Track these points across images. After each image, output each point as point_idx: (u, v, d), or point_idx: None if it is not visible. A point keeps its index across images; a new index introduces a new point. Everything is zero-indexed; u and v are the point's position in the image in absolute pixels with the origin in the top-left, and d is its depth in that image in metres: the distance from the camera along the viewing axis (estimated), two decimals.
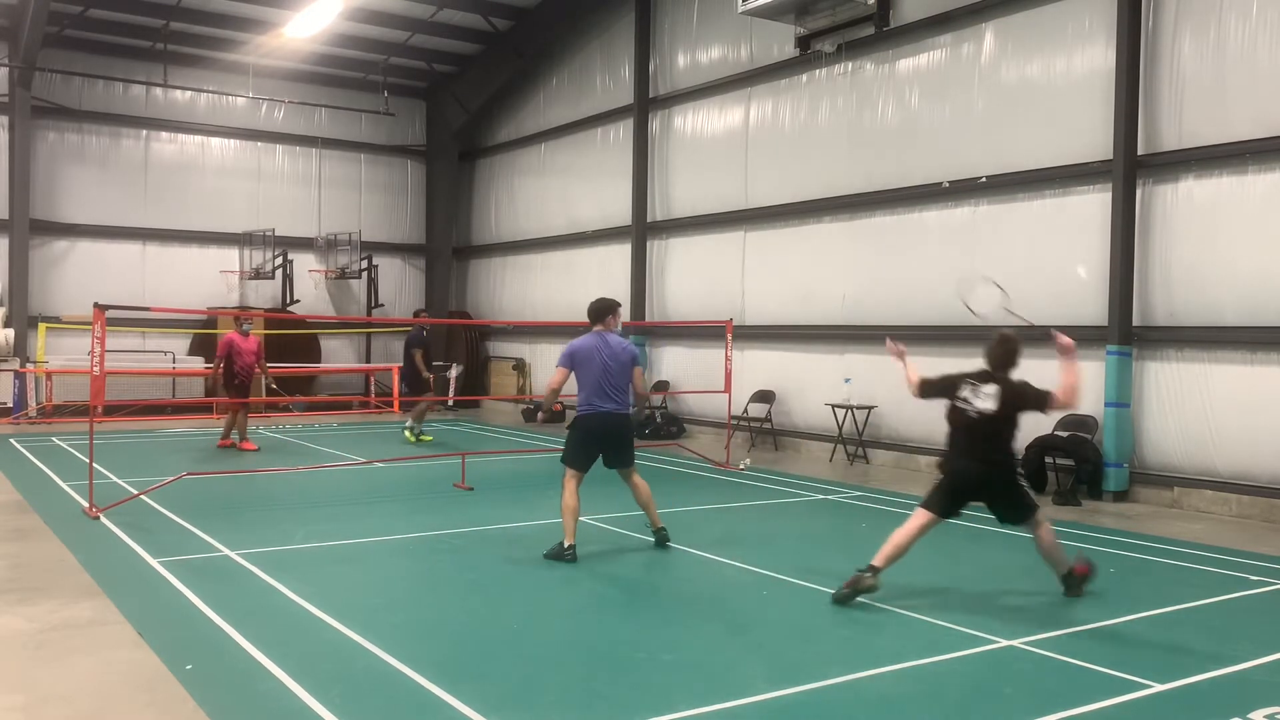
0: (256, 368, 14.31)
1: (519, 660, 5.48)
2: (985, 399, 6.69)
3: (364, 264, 22.99)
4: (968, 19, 13.10)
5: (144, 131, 21.24)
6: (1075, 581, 6.91)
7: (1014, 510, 6.79)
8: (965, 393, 6.78)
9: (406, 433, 15.66)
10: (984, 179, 12.85)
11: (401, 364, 16.13)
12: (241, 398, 14.11)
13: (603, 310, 8.14)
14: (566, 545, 7.74)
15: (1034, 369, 12.13)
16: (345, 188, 23.64)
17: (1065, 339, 6.69)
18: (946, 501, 6.73)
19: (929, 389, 7.08)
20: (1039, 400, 6.64)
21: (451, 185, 24.20)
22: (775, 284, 15.98)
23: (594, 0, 19.55)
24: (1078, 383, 6.66)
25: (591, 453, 7.96)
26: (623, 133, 19.15)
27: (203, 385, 20.65)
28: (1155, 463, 11.24)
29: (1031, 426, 11.89)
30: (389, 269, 23.93)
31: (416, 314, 16.15)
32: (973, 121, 13.06)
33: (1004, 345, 6.83)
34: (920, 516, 6.67)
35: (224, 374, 14.07)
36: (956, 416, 6.79)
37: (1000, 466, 6.73)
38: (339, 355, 23.45)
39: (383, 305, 23.45)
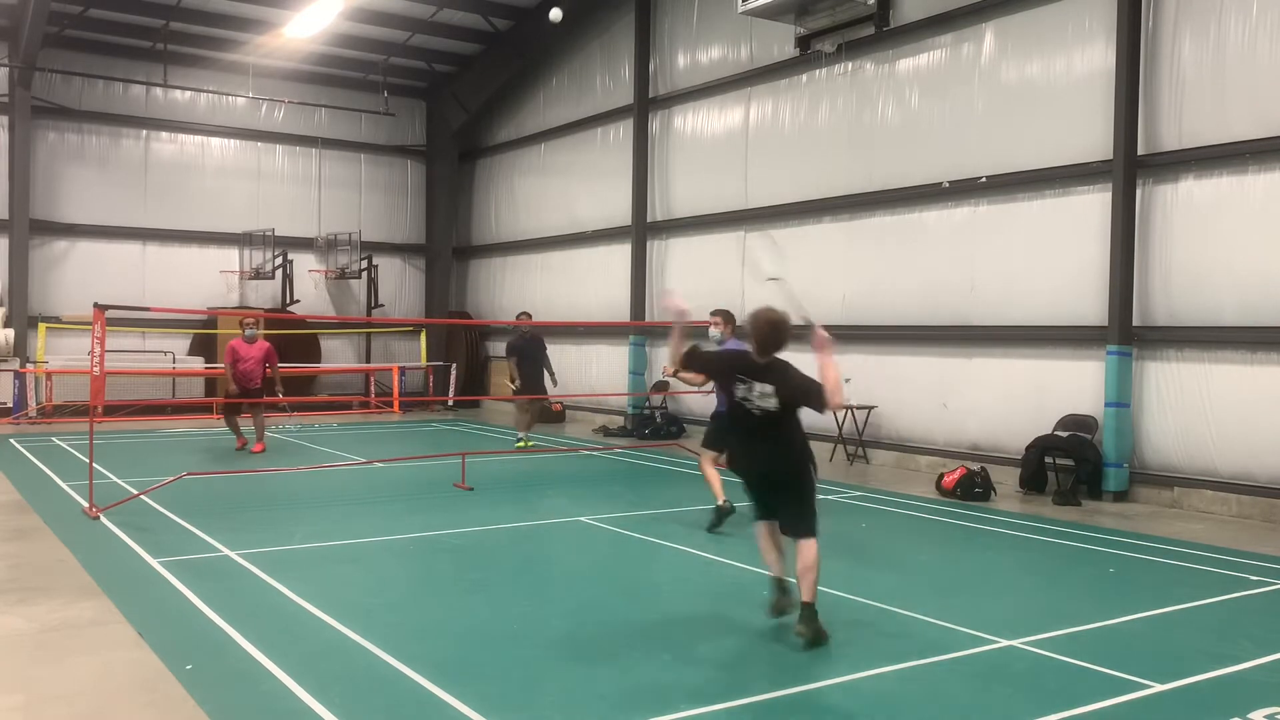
0: (259, 378, 13.66)
1: (519, 660, 5.48)
2: (765, 399, 5.93)
3: (364, 264, 22.99)
4: (968, 19, 13.10)
5: (144, 131, 21.23)
6: (807, 615, 5.74)
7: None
8: (741, 390, 6.01)
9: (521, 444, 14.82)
10: (984, 179, 12.84)
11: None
12: (235, 401, 13.71)
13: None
14: (721, 502, 8.74)
15: (1030, 368, 12.22)
16: (345, 188, 23.64)
17: (822, 333, 5.99)
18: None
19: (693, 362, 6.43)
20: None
21: (451, 185, 24.20)
22: (775, 284, 15.93)
23: (594, 0, 19.55)
24: (838, 379, 5.86)
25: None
26: (623, 133, 19.14)
27: (203, 385, 20.67)
28: (1155, 463, 11.23)
29: (1031, 426, 11.93)
30: (389, 269, 23.93)
31: (519, 317, 15.02)
32: (973, 121, 13.06)
33: (775, 328, 6.08)
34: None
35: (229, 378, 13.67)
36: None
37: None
38: (339, 355, 23.46)
39: (383, 305, 23.45)
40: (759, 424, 5.94)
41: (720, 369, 6.49)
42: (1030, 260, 12.36)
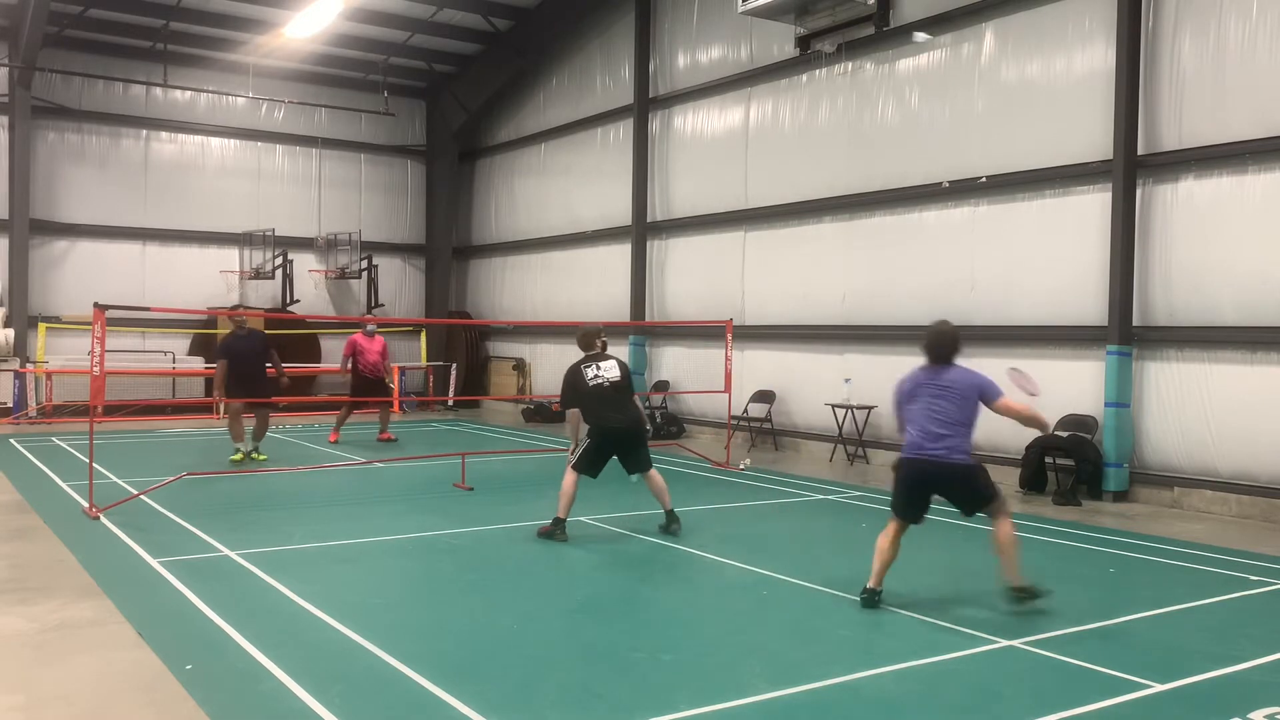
0: (382, 367, 15.28)
1: (518, 660, 5.48)
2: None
3: (364, 264, 22.99)
4: (968, 19, 13.10)
5: (144, 131, 21.23)
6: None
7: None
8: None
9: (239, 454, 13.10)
10: (984, 179, 12.85)
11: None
12: (373, 395, 15.42)
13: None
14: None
15: (1030, 368, 12.20)
16: (345, 188, 23.63)
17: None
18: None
19: None
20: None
21: (451, 185, 24.19)
22: (775, 284, 15.97)
23: (594, 0, 19.55)
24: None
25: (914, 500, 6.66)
26: (623, 133, 19.14)
27: (202, 385, 20.64)
28: (1155, 463, 11.23)
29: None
30: (389, 269, 23.92)
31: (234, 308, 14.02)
32: (973, 121, 13.06)
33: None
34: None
35: (352, 374, 15.29)
36: None
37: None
38: (339, 355, 23.33)
39: (383, 305, 23.44)
40: None
41: None
42: (1030, 260, 12.36)
